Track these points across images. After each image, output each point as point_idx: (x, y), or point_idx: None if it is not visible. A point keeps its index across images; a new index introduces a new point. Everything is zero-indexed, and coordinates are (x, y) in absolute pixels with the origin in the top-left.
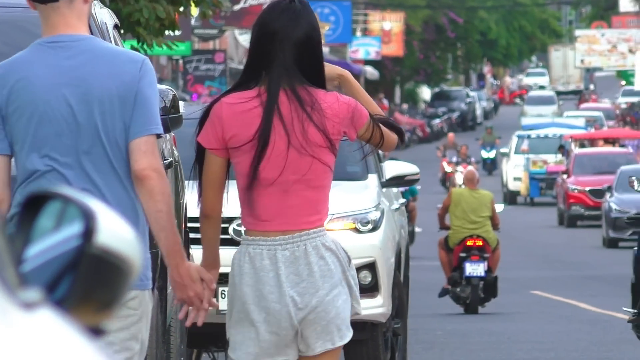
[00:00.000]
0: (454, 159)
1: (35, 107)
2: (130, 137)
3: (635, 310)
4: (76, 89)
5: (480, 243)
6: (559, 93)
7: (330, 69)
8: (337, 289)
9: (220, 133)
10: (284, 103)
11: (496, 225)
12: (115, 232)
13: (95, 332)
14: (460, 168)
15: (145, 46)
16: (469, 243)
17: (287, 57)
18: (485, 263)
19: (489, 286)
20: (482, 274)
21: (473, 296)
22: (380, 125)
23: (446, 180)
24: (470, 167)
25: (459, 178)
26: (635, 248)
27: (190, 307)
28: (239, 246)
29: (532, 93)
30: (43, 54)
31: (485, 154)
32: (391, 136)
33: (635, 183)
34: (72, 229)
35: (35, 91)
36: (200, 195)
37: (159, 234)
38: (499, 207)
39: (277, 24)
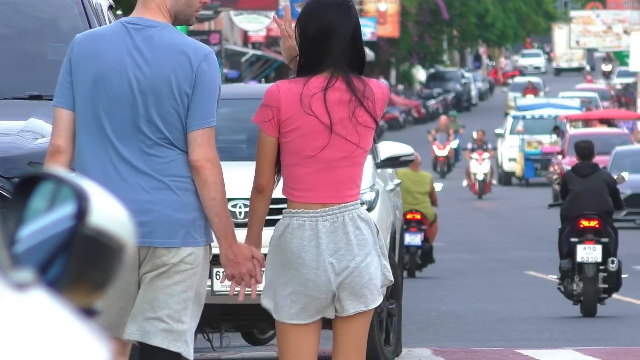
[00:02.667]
0: (469, 146)
1: (99, 81)
2: (189, 129)
3: (559, 275)
4: (139, 70)
5: (418, 217)
6: (562, 70)
7: None
8: (371, 256)
9: (277, 115)
10: (340, 90)
11: (434, 202)
12: (108, 212)
13: (88, 312)
14: (475, 155)
15: None
16: (408, 217)
17: (343, 50)
18: (422, 234)
19: (425, 254)
20: (419, 243)
21: (411, 262)
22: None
23: (437, 164)
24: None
25: (474, 166)
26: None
27: (238, 284)
28: (283, 218)
29: (517, 79)
30: (119, 32)
31: (439, 150)
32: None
33: (554, 177)
34: (65, 210)
35: (102, 67)
36: (256, 171)
37: (214, 218)
38: (438, 187)
39: (335, 22)
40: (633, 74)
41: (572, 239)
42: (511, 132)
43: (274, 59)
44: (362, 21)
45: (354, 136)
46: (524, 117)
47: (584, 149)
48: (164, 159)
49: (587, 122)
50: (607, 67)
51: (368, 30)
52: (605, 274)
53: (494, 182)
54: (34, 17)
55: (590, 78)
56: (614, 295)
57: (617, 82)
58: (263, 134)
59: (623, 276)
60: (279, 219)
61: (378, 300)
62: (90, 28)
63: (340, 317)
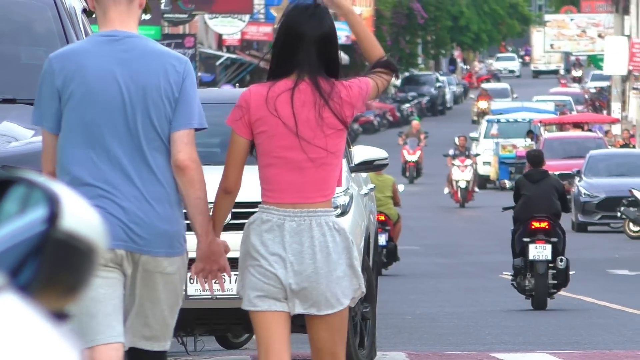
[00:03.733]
0: (451, 152)
1: (88, 94)
2: (173, 129)
3: (513, 272)
4: (128, 79)
5: (382, 218)
6: (540, 72)
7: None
8: (333, 265)
9: (248, 118)
10: (305, 92)
11: (397, 203)
12: (80, 216)
13: (60, 316)
14: (457, 162)
15: None
16: None
17: (310, 53)
18: (387, 234)
19: (390, 253)
20: (384, 243)
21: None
22: (380, 75)
23: (406, 169)
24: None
25: (456, 173)
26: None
27: (205, 279)
28: (257, 212)
29: (485, 85)
30: (99, 45)
31: (409, 155)
32: (387, 79)
33: (507, 183)
34: (37, 214)
35: (88, 80)
36: (224, 172)
37: (197, 217)
38: (401, 188)
39: (304, 26)
40: (607, 78)
41: (525, 239)
42: (485, 136)
43: (248, 62)
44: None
45: (321, 138)
46: (498, 121)
47: (535, 157)
48: (158, 166)
49: (561, 126)
50: (577, 73)
51: (343, 34)
52: (554, 271)
53: (477, 189)
54: (7, 20)
55: (565, 82)
56: (589, 299)
57: (591, 85)
58: (234, 134)
59: (570, 272)
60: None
61: (335, 307)
62: (64, 31)
63: (310, 316)
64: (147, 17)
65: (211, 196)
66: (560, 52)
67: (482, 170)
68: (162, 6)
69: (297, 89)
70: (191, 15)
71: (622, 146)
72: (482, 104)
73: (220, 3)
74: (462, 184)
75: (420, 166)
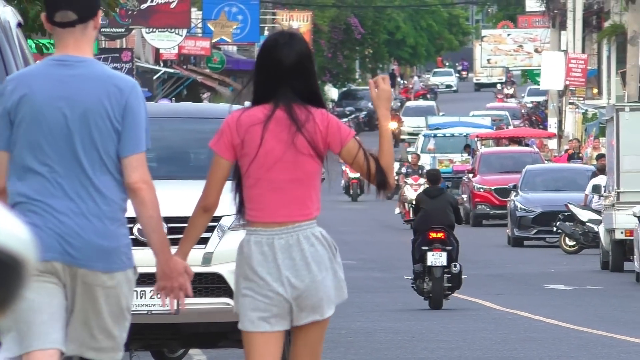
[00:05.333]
0: (403, 170)
1: (34, 116)
2: (122, 154)
3: (413, 276)
4: (72, 102)
5: None
6: (482, 85)
7: (380, 111)
8: (325, 272)
9: (232, 141)
10: (281, 118)
11: None
12: (8, 230)
13: None
14: (410, 180)
15: (49, 44)
16: None
17: (285, 81)
18: None
19: None
20: None
21: None
22: (371, 160)
23: (349, 187)
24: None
25: (408, 192)
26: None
27: (167, 296)
28: (245, 235)
29: (410, 103)
30: (49, 69)
31: (352, 173)
32: (374, 178)
33: (408, 199)
34: None
35: (35, 103)
36: (204, 191)
37: (151, 234)
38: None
39: (279, 55)
40: (544, 93)
41: (423, 247)
42: (422, 151)
43: (186, 76)
44: None
45: (296, 162)
46: (435, 136)
47: (433, 176)
48: (99, 185)
49: (497, 141)
50: (509, 90)
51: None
52: (449, 275)
53: None
54: None
55: (502, 97)
56: (525, 314)
57: (528, 100)
58: (216, 156)
59: (463, 276)
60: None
61: (331, 311)
62: None
63: (297, 327)
64: None
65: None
66: (497, 66)
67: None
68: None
69: (273, 116)
70: (128, 30)
71: (570, 156)
72: (392, 125)
73: (157, 17)
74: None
75: (363, 183)
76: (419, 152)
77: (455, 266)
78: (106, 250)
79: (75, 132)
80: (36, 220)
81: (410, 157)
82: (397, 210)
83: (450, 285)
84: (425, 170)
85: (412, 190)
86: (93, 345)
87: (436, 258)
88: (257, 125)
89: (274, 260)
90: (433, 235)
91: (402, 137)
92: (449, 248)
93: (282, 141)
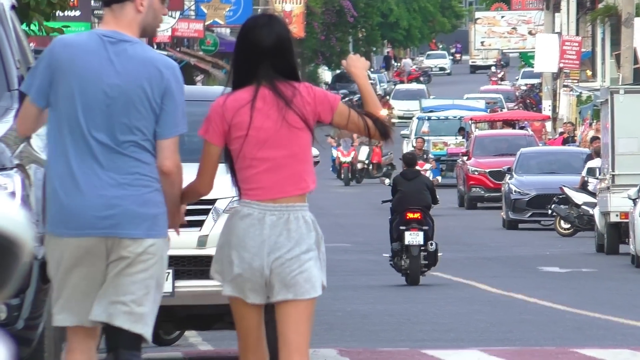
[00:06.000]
0: None
1: (74, 89)
2: (159, 137)
3: (391, 254)
4: (112, 79)
5: None
6: (478, 67)
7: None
8: (309, 254)
9: (221, 127)
10: (267, 96)
11: None
12: (5, 214)
13: None
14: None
15: (35, 27)
16: None
17: (265, 61)
18: None
19: None
20: None
21: None
22: (365, 117)
23: (341, 170)
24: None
25: None
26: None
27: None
28: (238, 205)
29: (400, 87)
30: (95, 43)
31: (343, 157)
32: (374, 129)
33: (386, 181)
34: None
35: (78, 72)
36: (197, 178)
37: (170, 205)
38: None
39: (258, 36)
40: (538, 75)
41: (401, 227)
42: (416, 134)
43: (179, 59)
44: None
45: (288, 138)
46: (429, 119)
47: (410, 159)
48: (132, 159)
49: (492, 124)
50: (499, 74)
51: None
52: (425, 253)
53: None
54: None
55: (495, 80)
56: (520, 296)
57: (522, 83)
58: (206, 143)
59: (439, 254)
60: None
61: (311, 293)
62: None
63: (278, 303)
64: (77, 13)
65: None
66: (491, 49)
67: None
68: (92, 2)
69: (258, 95)
70: None
71: (565, 140)
72: (383, 112)
73: None
74: None
75: (355, 167)
76: (412, 135)
77: (431, 244)
78: (144, 218)
79: (114, 109)
80: (73, 192)
81: (415, 142)
82: None
83: (426, 262)
84: (428, 155)
85: None
86: (122, 311)
87: (413, 237)
88: (244, 107)
89: (260, 234)
90: (410, 215)
91: (393, 120)
92: (425, 228)
93: (272, 118)
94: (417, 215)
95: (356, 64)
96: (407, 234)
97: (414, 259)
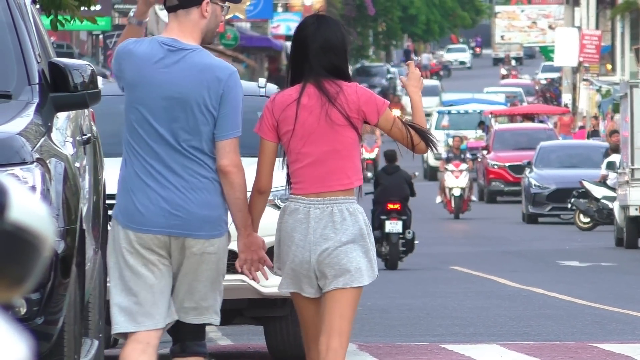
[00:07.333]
0: (444, 155)
1: (136, 97)
2: (217, 138)
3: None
4: (174, 87)
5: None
6: (500, 60)
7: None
8: (352, 245)
9: (271, 122)
10: (312, 93)
11: None
12: (28, 208)
13: (7, 308)
14: (451, 166)
15: (64, 20)
16: None
17: (313, 60)
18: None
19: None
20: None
21: None
22: (410, 128)
23: (364, 167)
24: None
25: (449, 179)
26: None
27: (248, 270)
28: (287, 202)
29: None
30: (156, 52)
31: (367, 153)
32: (418, 140)
33: (368, 174)
34: None
35: (140, 84)
36: (257, 175)
37: (237, 213)
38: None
39: (307, 36)
40: (557, 69)
41: (382, 217)
42: (436, 127)
43: None
44: (287, 16)
45: (331, 133)
46: (449, 112)
47: (390, 156)
48: (194, 162)
49: (511, 117)
50: (504, 71)
51: (294, 25)
52: (403, 241)
53: (474, 197)
54: None
55: (515, 73)
56: (540, 290)
57: (542, 77)
58: (261, 139)
59: (415, 242)
60: None
61: (360, 281)
62: (14, 22)
63: (327, 291)
64: (98, 7)
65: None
66: (511, 43)
67: (433, 161)
68: None
69: (304, 92)
70: None
71: (591, 133)
72: (396, 112)
73: None
74: (457, 192)
75: (378, 164)
76: (432, 129)
77: (409, 233)
78: (208, 220)
79: (175, 115)
80: (141, 196)
81: (452, 141)
82: (439, 200)
83: (404, 249)
84: (466, 155)
85: (453, 177)
86: (193, 308)
87: (393, 226)
88: (291, 103)
89: (306, 227)
90: (390, 206)
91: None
92: (404, 217)
93: (315, 114)
94: (396, 206)
95: (416, 83)
96: (387, 223)
97: (393, 245)
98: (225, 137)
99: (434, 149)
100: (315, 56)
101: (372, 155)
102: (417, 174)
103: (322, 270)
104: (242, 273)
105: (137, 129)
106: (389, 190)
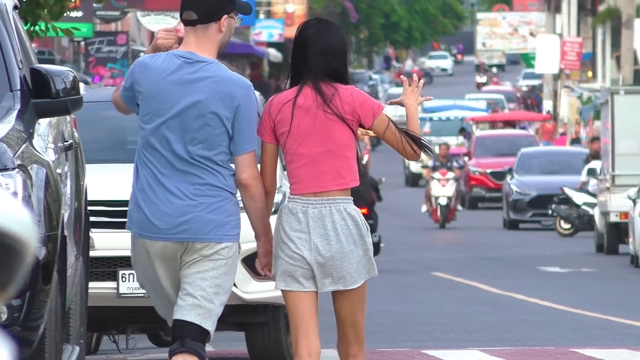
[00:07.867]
0: (430, 163)
1: (152, 108)
2: (236, 153)
3: None
4: (189, 99)
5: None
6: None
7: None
8: (354, 247)
9: (269, 124)
10: (308, 94)
11: None
12: (8, 213)
13: None
14: (437, 175)
15: (43, 28)
16: None
17: (312, 63)
18: None
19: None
20: None
21: None
22: (403, 134)
23: None
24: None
25: (435, 187)
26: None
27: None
28: (285, 202)
29: (392, 91)
30: (172, 64)
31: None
32: (409, 146)
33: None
34: None
35: (156, 97)
36: (261, 176)
37: (258, 222)
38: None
39: (308, 39)
40: (539, 76)
41: None
42: None
43: None
44: (269, 23)
45: (326, 134)
46: (430, 119)
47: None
48: (205, 171)
49: (493, 124)
50: (481, 79)
51: (276, 32)
52: None
53: (459, 207)
54: None
55: (497, 80)
56: (520, 296)
57: (523, 84)
58: (262, 142)
59: (381, 245)
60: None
61: (358, 282)
62: None
63: (335, 292)
64: (79, 14)
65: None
66: (492, 50)
67: (414, 167)
68: (94, 3)
69: (301, 93)
70: (123, 13)
71: (572, 140)
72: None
73: (152, 1)
74: (443, 201)
75: (367, 170)
76: (447, 143)
77: (375, 236)
78: (214, 224)
79: (190, 126)
80: (152, 205)
81: (438, 149)
82: (424, 209)
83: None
84: (452, 164)
85: (439, 185)
86: (190, 303)
87: None
88: (287, 104)
89: (306, 226)
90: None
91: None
92: (370, 222)
93: (311, 114)
94: (363, 210)
95: (414, 102)
96: None
97: None
98: (243, 151)
99: (429, 154)
100: (315, 59)
101: (363, 162)
102: (383, 179)
103: (320, 272)
104: (262, 275)
105: (150, 139)
106: (356, 195)
